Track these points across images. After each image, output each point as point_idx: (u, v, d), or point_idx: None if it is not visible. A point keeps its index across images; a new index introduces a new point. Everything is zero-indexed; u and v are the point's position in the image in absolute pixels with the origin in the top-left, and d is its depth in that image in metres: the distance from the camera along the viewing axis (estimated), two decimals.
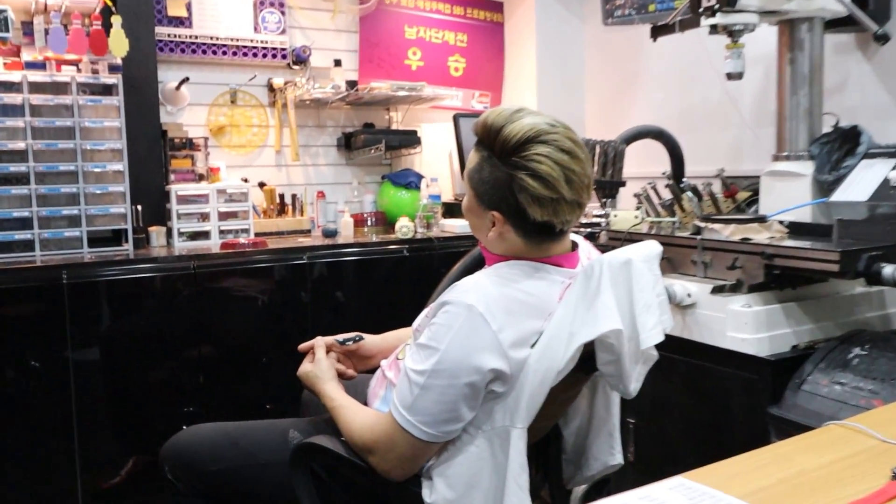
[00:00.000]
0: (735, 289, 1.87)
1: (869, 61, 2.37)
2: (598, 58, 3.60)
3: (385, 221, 3.19)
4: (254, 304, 2.48)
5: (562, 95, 3.59)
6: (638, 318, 1.19)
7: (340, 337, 1.52)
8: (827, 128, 2.15)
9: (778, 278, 1.82)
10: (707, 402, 1.88)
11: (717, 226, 1.94)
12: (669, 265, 2.03)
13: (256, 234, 2.89)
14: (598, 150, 2.42)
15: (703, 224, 2.00)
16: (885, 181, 1.75)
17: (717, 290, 1.86)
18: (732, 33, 1.90)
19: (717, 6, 1.84)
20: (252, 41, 3.05)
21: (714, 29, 1.91)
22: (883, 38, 1.87)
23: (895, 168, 1.78)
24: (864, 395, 1.58)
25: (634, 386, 1.25)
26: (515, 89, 3.72)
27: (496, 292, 1.18)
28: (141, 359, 2.31)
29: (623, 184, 2.46)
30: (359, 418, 1.28)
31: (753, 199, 2.47)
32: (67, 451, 2.18)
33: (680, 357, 1.90)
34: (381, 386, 1.40)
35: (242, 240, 2.61)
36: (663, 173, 2.46)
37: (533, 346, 1.18)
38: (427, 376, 1.15)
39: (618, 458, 1.40)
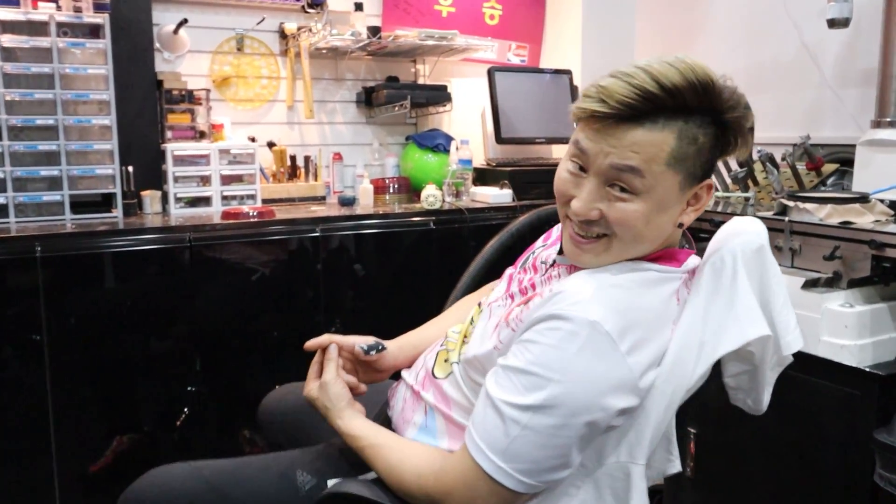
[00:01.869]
0: (831, 283, 1.61)
1: None
2: (651, 5, 3.28)
3: (409, 188, 2.93)
4: (258, 282, 2.25)
5: (611, 48, 3.27)
6: (777, 317, 1.01)
7: (363, 342, 1.25)
8: None
9: (884, 272, 1.55)
10: (792, 418, 1.63)
11: (809, 205, 1.66)
12: None
13: (264, 201, 2.65)
14: None
15: (790, 202, 1.72)
16: None
17: (809, 285, 1.59)
18: None
19: None
20: None
21: None
22: None
23: None
24: None
25: (768, 399, 1.09)
26: (558, 42, 3.41)
27: (623, 303, 0.94)
28: (126, 344, 2.09)
29: None
30: (412, 461, 1.03)
31: (839, 172, 2.17)
32: (43, 441, 1.99)
33: None
34: (414, 410, 1.16)
35: (246, 208, 2.37)
36: None
37: (659, 364, 0.97)
38: (532, 413, 0.91)
39: (676, 466, 1.17)
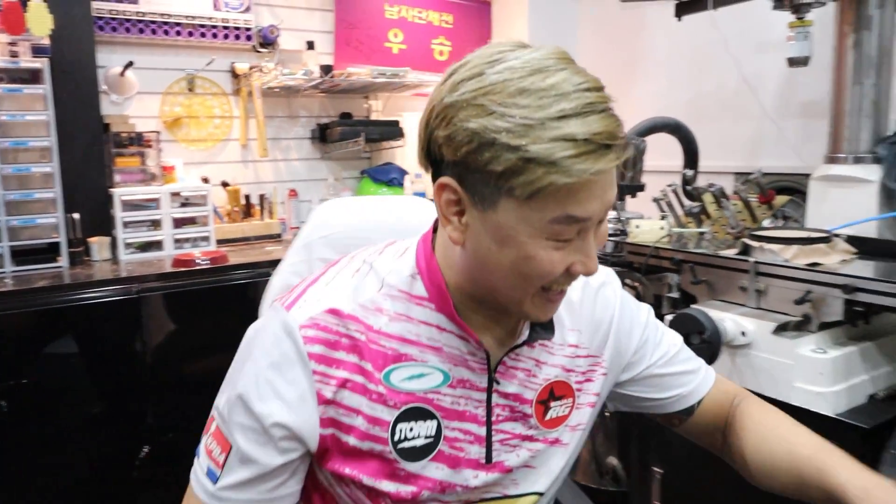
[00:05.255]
0: (801, 326, 1.45)
1: None
2: (594, 41, 3.16)
3: None
4: (212, 332, 2.01)
5: None
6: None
7: None
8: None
9: (855, 314, 1.41)
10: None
11: (774, 246, 1.51)
12: (709, 290, 1.61)
13: (219, 242, 2.42)
14: None
15: (754, 243, 1.56)
16: None
17: (780, 329, 1.43)
18: (799, 7, 1.46)
19: None
20: (211, 19, 2.54)
21: (779, 3, 1.46)
22: None
23: None
24: None
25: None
26: None
27: None
28: (61, 407, 1.82)
29: (642, 188, 2.02)
30: None
31: (790, 204, 2.05)
32: None
33: None
34: None
35: (197, 254, 2.13)
36: (683, 174, 2.03)
37: None
38: None
39: None
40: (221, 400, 0.80)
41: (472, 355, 0.81)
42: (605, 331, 0.91)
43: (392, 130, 2.86)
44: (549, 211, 0.68)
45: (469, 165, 0.68)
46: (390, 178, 2.86)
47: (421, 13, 3.12)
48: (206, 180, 2.51)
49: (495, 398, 0.83)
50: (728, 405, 0.98)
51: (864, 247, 1.56)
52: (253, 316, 2.17)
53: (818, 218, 1.75)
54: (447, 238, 0.76)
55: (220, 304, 2.05)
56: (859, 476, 0.81)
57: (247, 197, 2.65)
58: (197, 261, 2.08)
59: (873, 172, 1.64)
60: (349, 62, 2.87)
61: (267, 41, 2.64)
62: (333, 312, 0.77)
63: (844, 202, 1.68)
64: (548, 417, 0.87)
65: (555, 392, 0.88)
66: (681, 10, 1.96)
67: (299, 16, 2.81)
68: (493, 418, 0.83)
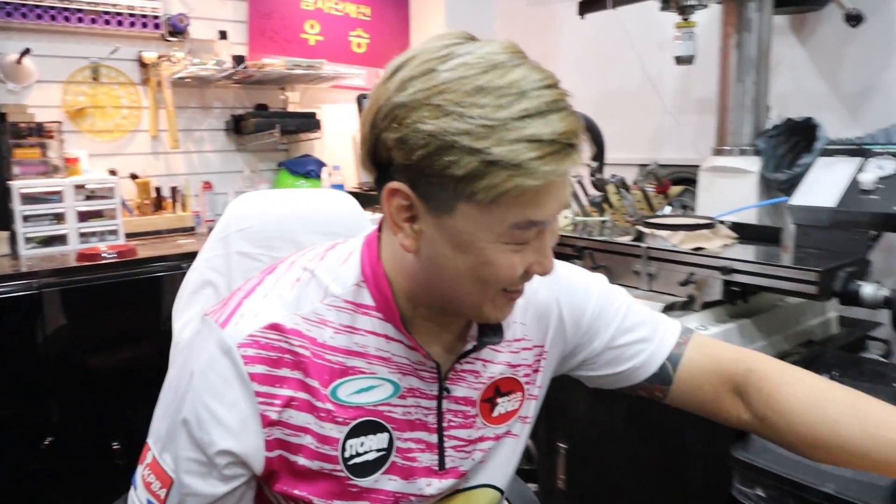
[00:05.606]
0: (686, 306, 1.55)
1: (803, 45, 2.10)
2: (508, 36, 3.21)
3: None
4: (121, 326, 1.96)
5: None
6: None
7: None
8: (769, 119, 1.85)
9: (733, 294, 1.51)
10: (656, 436, 1.56)
11: (663, 232, 1.60)
12: (608, 275, 1.68)
13: (129, 236, 2.35)
14: None
15: (646, 230, 1.65)
16: (854, 183, 1.45)
17: (668, 309, 1.52)
18: (685, 9, 1.55)
19: None
20: (116, 6, 2.45)
21: (666, 4, 1.54)
22: (857, 19, 1.56)
23: (862, 169, 1.48)
24: None
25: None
26: None
27: None
28: None
29: None
30: None
31: (684, 192, 2.16)
32: None
33: None
34: None
35: (104, 248, 2.07)
36: (590, 165, 2.11)
37: None
38: None
39: None
40: (160, 428, 0.75)
41: (422, 365, 0.78)
42: (548, 319, 0.88)
43: (309, 122, 2.84)
44: (510, 215, 0.65)
45: (424, 170, 0.63)
46: (308, 170, 2.84)
47: (338, 4, 3.10)
48: (113, 172, 2.44)
49: (446, 404, 0.80)
50: (729, 371, 0.88)
51: (744, 232, 1.67)
52: (164, 310, 2.14)
53: (706, 206, 1.86)
54: (397, 244, 0.71)
55: (128, 299, 2.00)
56: None
57: (157, 189, 2.59)
58: (103, 255, 2.03)
59: (754, 164, 1.76)
60: (264, 53, 2.84)
61: (176, 30, 2.58)
62: (274, 328, 0.72)
63: (729, 191, 1.80)
64: (495, 414, 0.85)
65: (500, 388, 0.85)
66: (583, 9, 2.03)
67: (211, 4, 2.75)
68: (445, 424, 0.81)
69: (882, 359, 1.77)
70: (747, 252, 1.55)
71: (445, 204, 0.65)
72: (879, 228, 1.45)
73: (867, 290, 1.33)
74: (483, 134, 0.60)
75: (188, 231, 2.57)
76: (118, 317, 1.97)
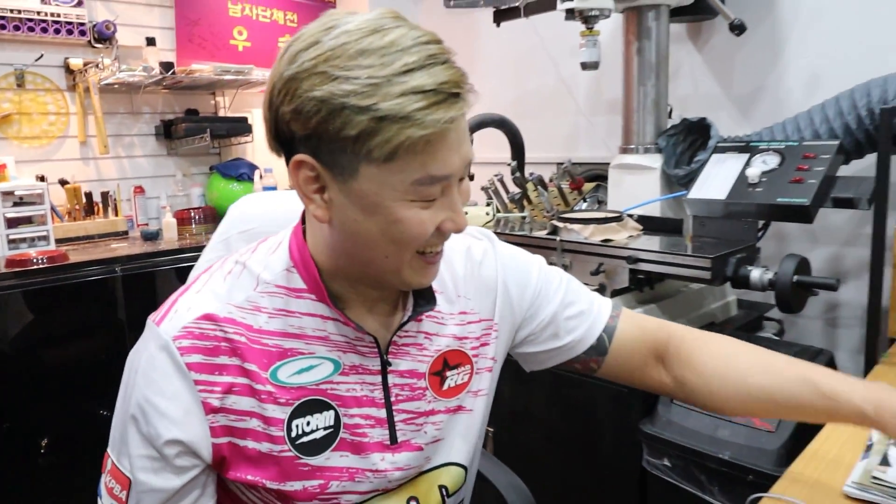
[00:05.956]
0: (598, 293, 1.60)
1: (699, 51, 2.20)
2: None
3: (215, 217, 2.65)
4: (53, 330, 1.89)
5: None
6: None
7: None
8: (669, 120, 1.93)
9: (639, 281, 1.58)
10: (573, 415, 1.61)
11: (575, 226, 1.65)
12: None
13: (60, 241, 2.26)
14: None
15: (560, 224, 1.70)
16: (742, 177, 1.53)
17: None
18: (588, 19, 1.60)
19: None
20: (39, 13, 2.34)
21: (570, 14, 1.59)
22: (740, 28, 1.65)
23: (749, 164, 1.56)
24: None
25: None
26: None
27: None
28: None
29: (472, 177, 2.12)
30: None
31: (596, 188, 2.23)
32: None
33: None
34: None
35: (34, 253, 1.98)
36: (510, 164, 2.15)
37: None
38: None
39: None
40: (115, 435, 0.75)
41: (359, 340, 0.77)
42: (494, 293, 0.88)
43: (240, 126, 2.79)
44: (410, 172, 0.65)
45: (322, 136, 0.64)
46: (240, 173, 2.79)
47: (265, 11, 3.05)
48: (42, 178, 2.33)
49: (391, 378, 0.79)
50: (653, 340, 0.92)
51: (649, 224, 1.74)
52: (96, 314, 2.08)
53: (616, 201, 1.93)
54: (315, 222, 0.72)
55: (61, 303, 1.92)
56: (855, 384, 0.79)
57: (88, 195, 2.49)
58: (34, 260, 1.94)
59: (656, 161, 1.83)
60: (193, 59, 2.76)
61: (103, 36, 2.48)
62: (208, 318, 0.72)
63: (635, 186, 1.86)
64: (445, 387, 0.84)
65: (449, 361, 0.84)
66: (498, 17, 2.07)
67: (137, 11, 2.66)
68: (392, 399, 0.79)
69: (775, 337, 1.88)
70: (651, 242, 1.62)
71: (348, 168, 0.65)
72: (764, 218, 1.53)
73: (755, 274, 1.41)
74: (369, 92, 0.61)
75: (121, 235, 2.49)
76: (50, 321, 1.89)
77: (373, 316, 0.79)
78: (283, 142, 0.68)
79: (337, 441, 0.76)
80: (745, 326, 1.80)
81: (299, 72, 0.64)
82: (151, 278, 2.08)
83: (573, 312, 0.91)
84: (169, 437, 0.70)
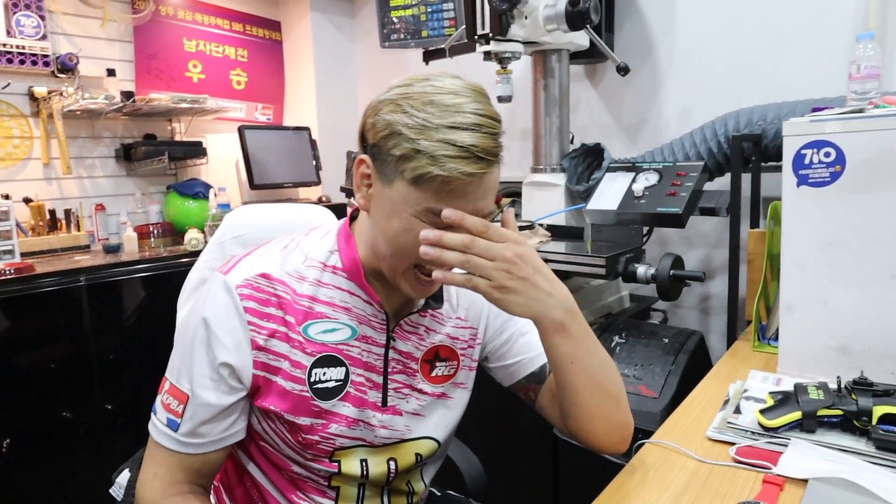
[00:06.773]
0: None
1: (595, 88, 2.36)
2: (370, 77, 3.31)
3: (173, 232, 2.62)
4: (22, 342, 1.84)
5: (340, 107, 3.25)
6: None
7: None
8: (571, 145, 2.07)
9: None
10: (494, 393, 1.70)
11: None
12: None
13: (25, 255, 2.19)
14: None
15: None
16: (629, 191, 1.68)
17: None
18: (502, 60, 1.71)
19: (490, 35, 1.63)
20: (5, 45, 2.28)
21: (487, 56, 1.70)
22: (625, 70, 1.80)
23: (634, 180, 1.71)
24: (630, 381, 1.50)
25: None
26: (295, 103, 3.30)
27: None
28: None
29: None
30: None
31: (513, 203, 2.35)
32: None
33: None
34: None
35: (1, 265, 1.93)
36: None
37: None
38: None
39: None
40: (175, 363, 0.83)
41: (375, 317, 0.86)
42: (480, 311, 0.96)
43: (195, 150, 2.77)
44: (426, 199, 0.73)
45: (380, 148, 0.75)
46: (195, 191, 2.76)
47: (218, 47, 3.05)
48: (7, 197, 2.26)
49: (391, 353, 0.88)
50: None
51: (556, 232, 1.85)
52: (61, 321, 2.04)
53: (529, 212, 2.04)
54: (363, 222, 0.83)
55: (28, 311, 1.87)
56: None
57: (52, 212, 2.42)
58: (1, 271, 1.89)
59: (560, 179, 1.96)
60: (151, 89, 2.74)
61: (66, 67, 2.43)
62: (264, 276, 0.81)
63: (544, 200, 1.98)
64: (433, 374, 0.91)
65: (440, 354, 0.92)
66: (427, 57, 2.16)
67: (99, 45, 2.62)
68: (389, 370, 0.88)
69: (658, 323, 2.04)
70: (558, 246, 1.73)
71: (389, 177, 0.75)
72: (648, 224, 1.68)
73: (640, 270, 1.55)
74: (420, 130, 0.72)
75: (83, 248, 2.43)
76: (19, 328, 1.84)
77: (389, 302, 0.87)
78: (362, 142, 0.79)
79: (343, 393, 0.84)
80: (637, 315, 1.95)
81: (385, 98, 0.75)
82: (114, 287, 2.05)
83: (526, 340, 0.97)
84: (224, 359, 0.79)
